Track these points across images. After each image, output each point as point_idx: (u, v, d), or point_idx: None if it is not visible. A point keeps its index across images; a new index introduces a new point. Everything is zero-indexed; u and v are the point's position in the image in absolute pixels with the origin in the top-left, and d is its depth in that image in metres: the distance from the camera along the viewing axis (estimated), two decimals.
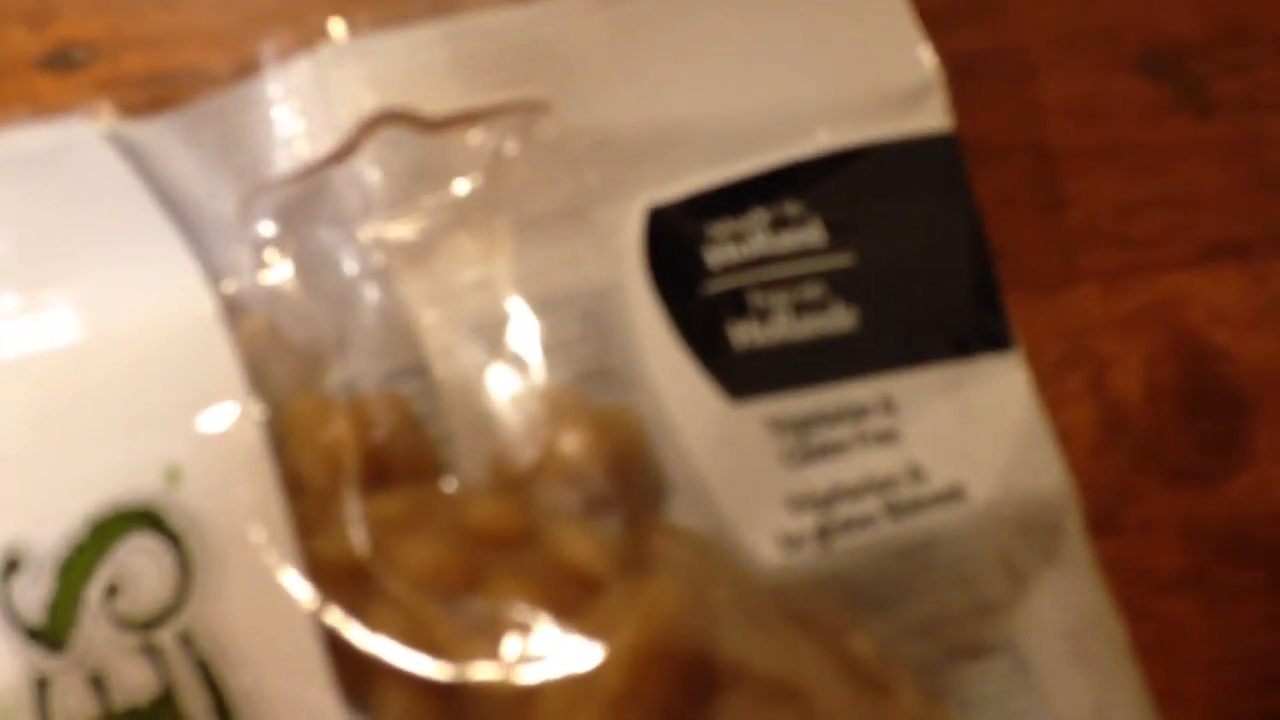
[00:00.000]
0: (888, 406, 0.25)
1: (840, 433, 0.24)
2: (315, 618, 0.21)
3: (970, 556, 0.24)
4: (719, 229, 0.25)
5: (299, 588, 0.21)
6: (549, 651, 0.21)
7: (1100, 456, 0.28)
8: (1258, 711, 0.27)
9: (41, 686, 0.21)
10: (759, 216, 0.25)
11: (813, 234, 0.25)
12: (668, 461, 0.24)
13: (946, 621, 0.25)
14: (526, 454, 0.23)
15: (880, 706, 0.23)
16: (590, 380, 0.24)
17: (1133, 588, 0.27)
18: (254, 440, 0.22)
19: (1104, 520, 0.27)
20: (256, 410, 0.22)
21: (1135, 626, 0.25)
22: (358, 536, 0.22)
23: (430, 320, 0.24)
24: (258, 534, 0.21)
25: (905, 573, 0.24)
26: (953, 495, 0.24)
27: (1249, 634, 0.27)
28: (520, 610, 0.21)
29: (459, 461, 0.24)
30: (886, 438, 0.24)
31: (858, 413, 0.24)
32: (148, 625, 0.21)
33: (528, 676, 0.21)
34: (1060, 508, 0.25)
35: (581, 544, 0.22)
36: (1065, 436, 0.27)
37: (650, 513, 0.24)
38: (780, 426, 0.24)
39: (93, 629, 0.21)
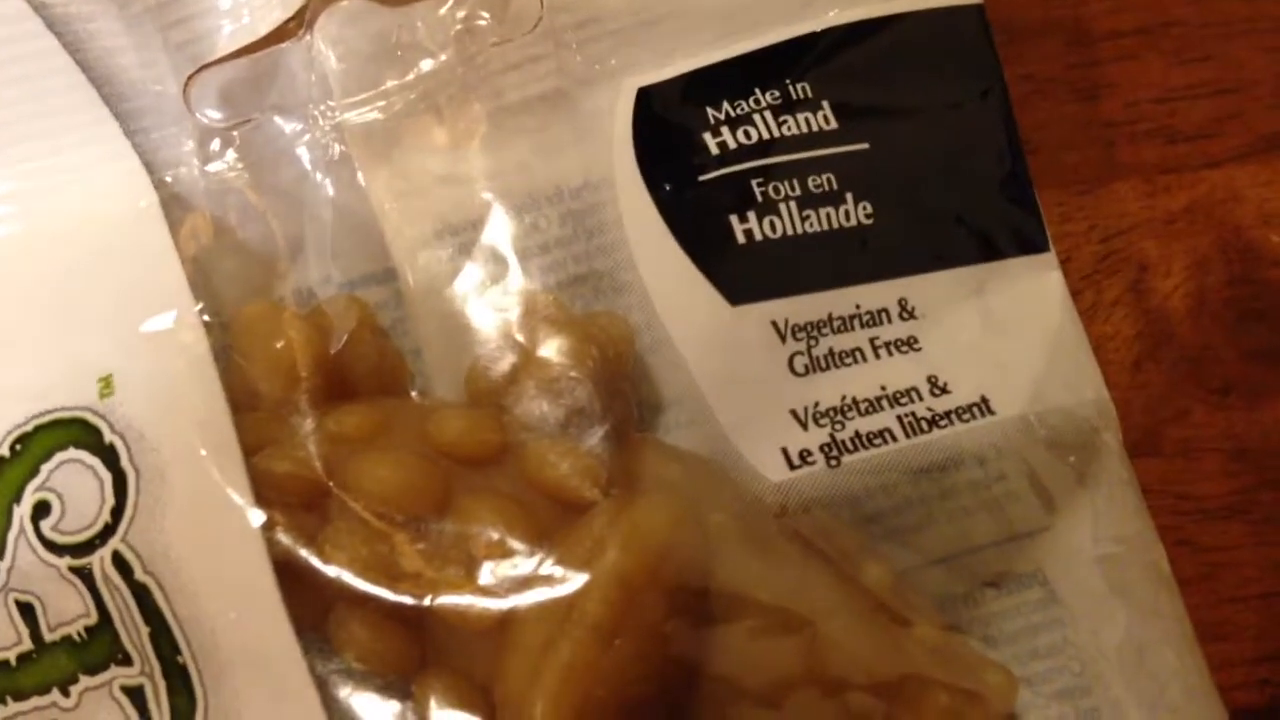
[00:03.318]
0: (906, 311, 0.23)
1: (853, 339, 0.23)
2: (266, 540, 0.20)
3: (996, 477, 0.23)
4: (717, 113, 0.23)
5: (248, 507, 0.20)
6: (525, 577, 0.20)
7: (1140, 370, 0.27)
8: None
9: None
10: (762, 98, 0.23)
11: (822, 118, 0.23)
12: (661, 371, 0.22)
13: (970, 549, 0.23)
14: (502, 364, 0.21)
15: (895, 639, 0.21)
16: (575, 286, 0.23)
17: (1174, 513, 0.26)
18: (197, 346, 0.20)
19: (1143, 440, 0.26)
20: (200, 314, 0.21)
21: (1176, 554, 0.24)
22: (313, 452, 0.20)
23: (395, 216, 0.22)
24: (202, 448, 0.20)
25: (924, 495, 0.23)
26: (977, 409, 0.23)
27: None
28: (494, 533, 0.20)
29: (429, 374, 0.22)
30: (904, 345, 0.23)
31: (872, 317, 0.23)
32: (81, 548, 0.20)
33: (502, 604, 0.19)
34: (1097, 424, 0.23)
35: (562, 461, 0.20)
36: (1101, 348, 0.26)
37: (640, 429, 0.22)
38: (786, 332, 0.22)
39: (20, 552, 0.20)
